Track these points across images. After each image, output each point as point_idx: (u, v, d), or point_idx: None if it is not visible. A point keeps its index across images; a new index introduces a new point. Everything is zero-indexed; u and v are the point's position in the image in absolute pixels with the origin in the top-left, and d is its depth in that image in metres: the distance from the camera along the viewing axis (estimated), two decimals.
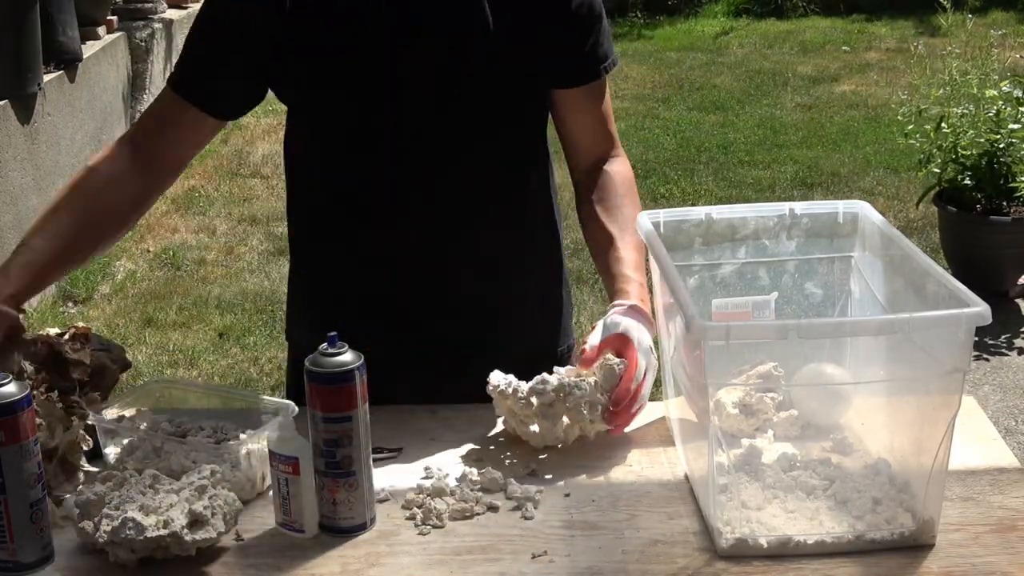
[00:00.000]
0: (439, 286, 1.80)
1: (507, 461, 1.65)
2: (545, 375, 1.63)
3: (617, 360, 1.63)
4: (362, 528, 1.49)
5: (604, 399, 1.62)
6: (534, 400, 1.62)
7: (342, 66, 1.71)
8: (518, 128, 1.82)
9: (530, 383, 1.63)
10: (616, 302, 1.71)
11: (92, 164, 1.79)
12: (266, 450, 1.58)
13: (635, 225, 1.77)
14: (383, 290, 1.81)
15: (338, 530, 1.49)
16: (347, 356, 1.46)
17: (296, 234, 1.89)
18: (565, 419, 1.63)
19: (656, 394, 1.71)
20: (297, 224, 1.88)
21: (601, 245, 1.80)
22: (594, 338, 1.66)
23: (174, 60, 7.13)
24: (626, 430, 1.71)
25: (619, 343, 1.64)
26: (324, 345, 1.47)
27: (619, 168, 1.89)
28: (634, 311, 1.68)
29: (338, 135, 1.76)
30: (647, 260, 1.75)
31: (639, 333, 1.65)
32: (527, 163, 1.85)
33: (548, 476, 1.61)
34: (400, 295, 1.81)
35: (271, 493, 1.51)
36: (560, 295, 1.93)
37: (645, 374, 1.63)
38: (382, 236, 1.78)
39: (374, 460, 1.64)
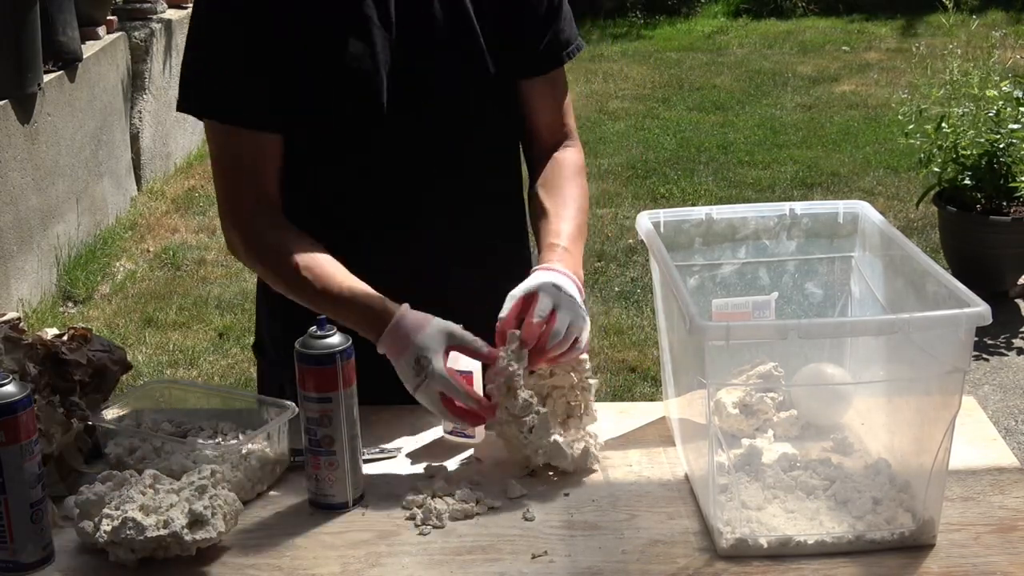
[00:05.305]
0: (423, 281, 1.75)
1: (507, 461, 1.65)
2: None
3: (515, 331, 1.60)
4: (344, 507, 1.54)
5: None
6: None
7: (337, 81, 1.69)
8: (497, 126, 1.82)
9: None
10: (534, 268, 1.70)
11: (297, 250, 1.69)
12: (266, 450, 1.59)
13: (577, 203, 1.78)
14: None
15: (320, 505, 1.54)
16: (333, 339, 1.51)
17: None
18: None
19: (656, 394, 1.71)
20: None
21: (538, 221, 1.80)
22: (502, 312, 1.63)
23: (174, 60, 7.08)
24: (626, 430, 1.71)
25: (524, 303, 1.61)
26: (314, 328, 1.51)
27: (568, 155, 1.88)
28: (547, 270, 1.66)
29: (329, 149, 1.73)
30: (649, 259, 1.75)
31: (544, 282, 1.62)
32: (506, 162, 1.85)
33: (548, 476, 1.61)
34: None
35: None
36: None
37: (554, 311, 1.59)
38: (364, 245, 1.75)
39: (374, 459, 1.64)
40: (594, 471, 1.62)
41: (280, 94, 1.68)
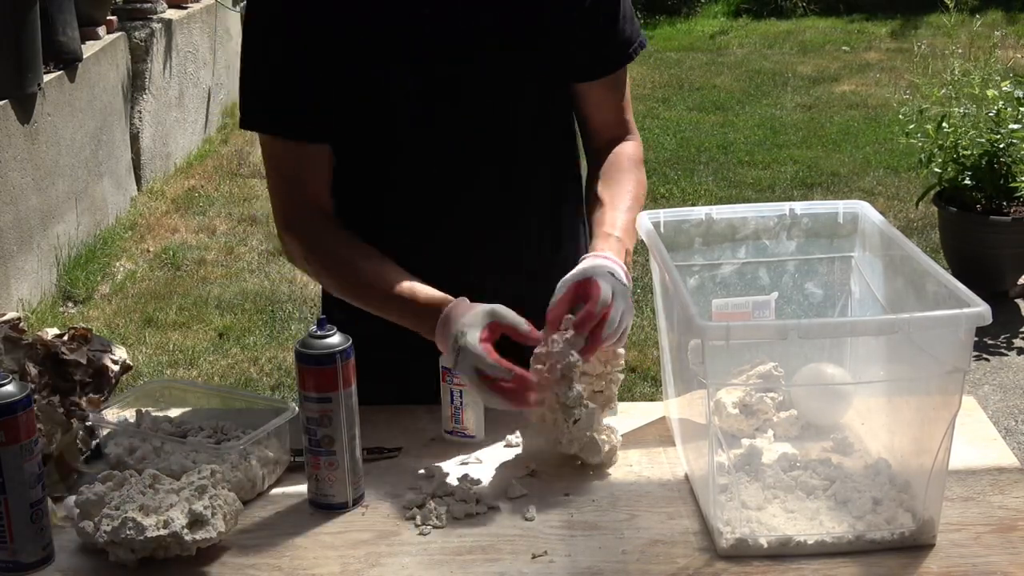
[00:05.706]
0: (470, 290, 1.70)
1: (507, 461, 1.65)
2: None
3: (570, 316, 1.59)
4: (344, 507, 1.54)
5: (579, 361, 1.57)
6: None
7: (383, 80, 1.68)
8: (550, 126, 1.82)
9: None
10: (584, 255, 1.68)
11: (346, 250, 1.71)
12: (266, 451, 1.59)
13: (633, 193, 1.77)
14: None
15: (320, 505, 1.55)
16: (333, 339, 1.51)
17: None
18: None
19: (656, 394, 1.71)
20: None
21: (593, 211, 1.79)
22: (554, 299, 1.61)
23: (174, 60, 7.09)
24: (626, 430, 1.71)
25: (578, 288, 1.59)
26: (314, 328, 1.52)
27: (627, 148, 1.88)
28: (598, 257, 1.64)
29: (355, 163, 1.74)
30: (649, 259, 1.74)
31: (600, 267, 1.61)
32: (559, 161, 1.85)
33: (548, 476, 1.61)
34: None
35: (442, 406, 1.67)
36: None
37: (613, 297, 1.57)
38: (414, 244, 1.76)
39: (374, 459, 1.64)
40: (611, 464, 1.63)
41: (320, 107, 1.68)
